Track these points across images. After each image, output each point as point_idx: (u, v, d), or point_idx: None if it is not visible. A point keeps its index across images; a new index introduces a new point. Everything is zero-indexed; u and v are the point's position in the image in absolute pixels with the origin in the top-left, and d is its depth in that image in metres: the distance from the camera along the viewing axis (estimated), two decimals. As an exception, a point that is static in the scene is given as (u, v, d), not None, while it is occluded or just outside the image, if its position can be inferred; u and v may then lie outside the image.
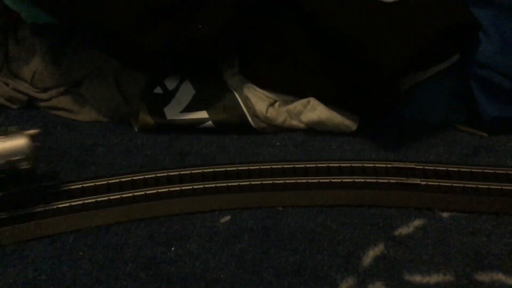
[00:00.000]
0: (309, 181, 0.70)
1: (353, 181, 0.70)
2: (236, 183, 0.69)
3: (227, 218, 0.67)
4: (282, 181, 0.70)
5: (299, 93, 0.79)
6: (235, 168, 0.72)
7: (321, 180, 0.70)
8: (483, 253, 0.60)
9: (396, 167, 0.71)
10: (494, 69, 0.71)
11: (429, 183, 0.69)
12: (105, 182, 0.69)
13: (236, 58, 0.82)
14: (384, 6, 0.69)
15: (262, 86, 0.80)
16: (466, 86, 0.77)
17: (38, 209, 0.65)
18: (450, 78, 0.78)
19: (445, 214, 0.66)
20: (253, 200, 0.68)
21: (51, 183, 0.70)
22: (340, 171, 0.71)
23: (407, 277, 0.58)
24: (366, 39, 0.66)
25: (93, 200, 0.67)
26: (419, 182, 0.69)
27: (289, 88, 0.79)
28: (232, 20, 0.75)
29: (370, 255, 0.61)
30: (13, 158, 0.60)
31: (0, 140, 0.61)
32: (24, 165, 0.61)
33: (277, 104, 0.80)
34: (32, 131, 0.63)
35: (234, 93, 0.80)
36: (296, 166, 0.72)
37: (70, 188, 0.68)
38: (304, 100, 0.78)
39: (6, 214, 0.64)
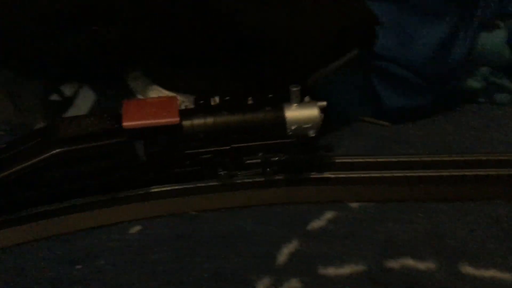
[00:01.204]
0: (223, 183, 0.69)
1: (266, 179, 0.69)
2: (143, 191, 0.66)
3: (137, 228, 0.64)
4: (193, 185, 0.68)
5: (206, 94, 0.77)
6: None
7: (234, 181, 0.69)
8: (392, 240, 0.62)
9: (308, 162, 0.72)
10: (392, 61, 0.74)
11: (339, 175, 0.70)
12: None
13: (139, 61, 0.79)
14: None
15: (167, 88, 0.78)
16: (368, 79, 0.79)
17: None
18: (352, 72, 0.79)
19: (354, 205, 0.68)
20: (164, 207, 0.66)
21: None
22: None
23: (321, 271, 0.58)
24: (280, 35, 0.66)
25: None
26: (329, 175, 0.70)
27: (195, 89, 0.77)
28: (135, 23, 0.72)
29: (284, 253, 0.61)
30: (305, 126, 0.65)
31: (297, 107, 0.65)
32: (311, 134, 0.65)
33: (183, 105, 0.78)
34: (322, 103, 0.66)
35: (137, 97, 0.77)
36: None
37: None
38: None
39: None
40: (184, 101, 0.78)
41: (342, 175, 0.70)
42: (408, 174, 0.70)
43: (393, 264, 0.59)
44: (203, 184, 0.68)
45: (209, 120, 0.64)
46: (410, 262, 0.59)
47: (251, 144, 0.66)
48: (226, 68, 0.76)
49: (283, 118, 0.65)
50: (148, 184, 0.66)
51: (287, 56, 0.67)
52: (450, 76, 0.75)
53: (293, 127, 0.65)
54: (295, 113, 0.65)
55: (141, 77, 0.79)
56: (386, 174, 0.70)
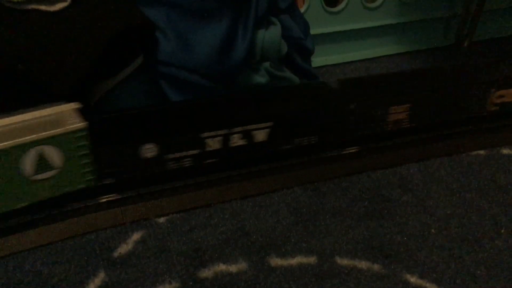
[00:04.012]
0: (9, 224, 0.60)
1: (61, 211, 0.63)
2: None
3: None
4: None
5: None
6: None
7: (20, 221, 0.61)
8: (202, 248, 0.61)
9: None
10: (176, 66, 0.72)
11: (140, 192, 0.67)
12: None
13: None
14: (50, 16, 0.62)
15: None
16: (157, 84, 0.77)
17: None
18: (141, 80, 0.76)
19: (161, 220, 0.65)
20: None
21: None
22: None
23: (133, 299, 0.55)
24: (33, 60, 0.58)
25: None
26: (130, 194, 0.66)
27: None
28: None
29: (90, 289, 0.55)
30: None
31: None
32: None
33: None
34: None
35: None
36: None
37: None
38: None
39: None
40: None
41: (143, 191, 0.66)
42: (211, 178, 0.70)
43: (206, 273, 0.58)
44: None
45: None
46: (222, 267, 0.59)
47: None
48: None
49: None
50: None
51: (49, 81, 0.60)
52: (234, 74, 0.77)
53: None
54: None
55: None
56: (189, 181, 0.69)
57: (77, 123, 0.58)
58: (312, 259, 0.60)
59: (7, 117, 0.55)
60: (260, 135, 0.68)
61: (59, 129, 0.57)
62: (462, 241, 0.63)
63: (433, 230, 0.64)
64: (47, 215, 0.62)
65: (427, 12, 1.22)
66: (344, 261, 0.59)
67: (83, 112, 0.58)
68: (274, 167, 0.72)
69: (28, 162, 0.56)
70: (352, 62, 1.17)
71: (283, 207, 0.67)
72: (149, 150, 0.63)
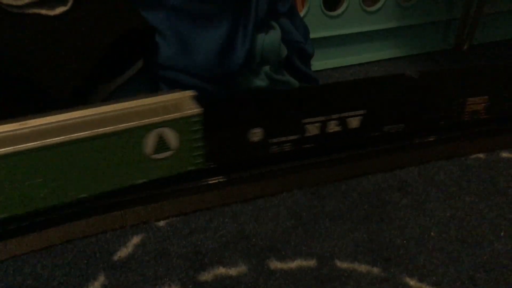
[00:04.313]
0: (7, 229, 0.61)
1: (61, 215, 0.63)
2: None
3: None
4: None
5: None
6: None
7: (21, 225, 0.61)
8: (202, 251, 0.61)
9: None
10: (176, 69, 0.73)
11: (140, 196, 0.67)
12: None
13: None
14: (50, 20, 0.62)
15: None
16: (157, 88, 0.77)
17: None
18: (141, 83, 0.77)
19: (161, 223, 0.65)
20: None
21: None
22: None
23: (133, 302, 0.55)
24: (35, 64, 0.59)
25: None
26: (130, 197, 0.66)
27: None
28: None
29: (90, 293, 0.55)
30: None
31: None
32: None
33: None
34: None
35: None
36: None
37: None
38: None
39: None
40: None
41: (142, 194, 0.66)
42: (210, 182, 0.70)
43: (206, 276, 0.58)
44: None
45: None
46: (221, 270, 0.59)
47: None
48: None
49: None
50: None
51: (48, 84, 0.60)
52: (234, 78, 0.77)
53: None
54: None
55: None
56: (189, 185, 0.69)
57: (194, 109, 0.63)
58: (312, 262, 0.60)
59: (133, 100, 0.62)
60: (354, 122, 0.73)
61: (178, 113, 0.63)
62: (462, 244, 0.63)
63: (432, 233, 0.65)
64: (47, 219, 0.62)
65: (427, 16, 1.22)
66: (344, 264, 0.60)
67: (198, 99, 0.65)
68: (274, 170, 0.72)
69: (149, 142, 0.62)
70: (351, 65, 1.17)
71: (283, 210, 0.68)
72: (255, 135, 0.69)
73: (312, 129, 0.71)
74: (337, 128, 0.72)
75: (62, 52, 0.60)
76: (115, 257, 0.60)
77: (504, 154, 0.81)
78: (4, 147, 0.54)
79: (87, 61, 0.61)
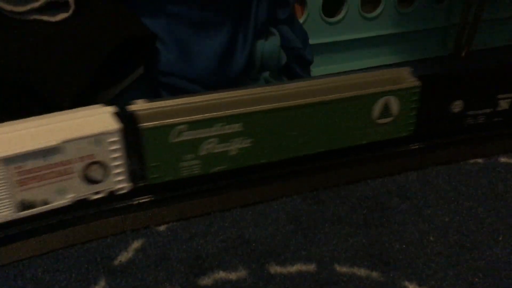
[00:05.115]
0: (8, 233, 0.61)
1: (61, 219, 0.63)
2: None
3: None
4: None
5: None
6: None
7: (22, 230, 0.61)
8: (202, 256, 0.61)
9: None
10: (176, 75, 0.73)
11: (140, 201, 0.67)
12: None
13: None
14: (51, 27, 0.63)
15: None
16: (157, 95, 0.78)
17: None
18: (141, 89, 0.77)
19: (162, 228, 0.66)
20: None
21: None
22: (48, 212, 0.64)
23: (134, 307, 0.55)
24: (36, 70, 0.59)
25: None
26: (131, 202, 0.66)
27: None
28: None
29: (91, 297, 0.56)
30: None
31: None
32: None
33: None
34: None
35: None
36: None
37: None
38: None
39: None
40: None
41: (143, 199, 0.67)
42: (209, 187, 0.70)
43: (206, 280, 0.58)
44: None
45: None
46: (221, 274, 0.59)
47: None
48: None
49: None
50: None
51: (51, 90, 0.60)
52: (234, 84, 0.78)
53: None
54: None
55: None
56: (189, 190, 0.69)
57: (414, 82, 0.73)
58: (311, 267, 0.60)
59: (362, 73, 0.74)
60: None
61: (403, 84, 0.72)
62: (460, 248, 0.63)
63: (431, 238, 0.65)
64: (49, 223, 0.63)
65: (425, 22, 1.23)
66: (343, 269, 0.60)
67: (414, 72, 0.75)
68: (274, 175, 0.72)
69: (377, 108, 0.72)
70: (350, 72, 1.18)
71: (283, 215, 0.68)
72: (456, 106, 0.78)
73: (503, 104, 0.80)
74: None
75: (64, 58, 0.60)
76: (116, 262, 0.60)
77: (503, 159, 0.82)
78: (276, 103, 0.66)
79: (89, 67, 0.61)
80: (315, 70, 1.12)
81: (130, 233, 0.65)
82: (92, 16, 0.66)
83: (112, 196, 0.63)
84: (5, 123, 0.56)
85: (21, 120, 0.57)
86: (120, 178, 0.61)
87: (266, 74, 0.85)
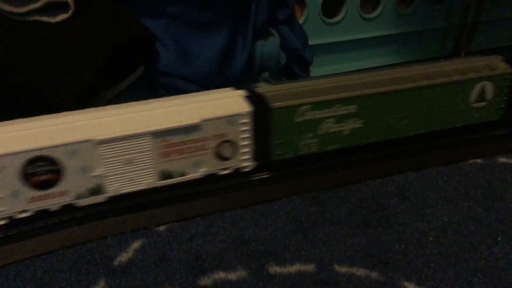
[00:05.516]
0: (9, 234, 0.61)
1: (60, 220, 0.63)
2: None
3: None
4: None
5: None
6: None
7: (21, 230, 0.62)
8: (202, 256, 0.61)
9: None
10: (176, 76, 0.74)
11: (140, 202, 0.67)
12: None
13: None
14: (51, 28, 0.63)
15: None
16: (157, 95, 0.78)
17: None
18: (141, 90, 0.77)
19: (161, 228, 0.66)
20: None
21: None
22: (46, 213, 0.64)
23: (134, 307, 0.55)
24: (36, 71, 0.59)
25: None
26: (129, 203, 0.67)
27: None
28: None
29: (90, 298, 0.56)
30: None
31: None
32: None
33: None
34: None
35: None
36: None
37: None
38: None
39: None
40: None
41: (142, 200, 0.67)
42: (209, 187, 0.70)
43: (206, 281, 0.58)
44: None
45: None
46: (221, 275, 0.59)
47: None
48: None
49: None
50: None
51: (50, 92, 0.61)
52: (234, 84, 0.78)
53: None
54: None
55: None
56: (189, 190, 0.69)
57: (508, 68, 0.79)
58: (310, 267, 0.60)
59: (458, 61, 0.80)
60: None
61: (496, 71, 0.78)
62: (460, 248, 0.63)
63: (430, 238, 0.65)
64: (48, 224, 0.63)
65: (425, 23, 1.24)
66: (342, 269, 0.60)
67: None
68: (273, 176, 0.72)
69: (474, 93, 0.77)
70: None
71: (282, 216, 0.68)
72: None
73: None
74: None
75: (64, 59, 0.60)
76: (116, 262, 0.60)
77: (502, 159, 0.82)
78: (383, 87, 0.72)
79: (89, 68, 0.61)
80: (314, 71, 1.12)
81: (130, 233, 0.65)
82: (92, 16, 0.66)
83: (237, 173, 0.69)
84: (153, 100, 0.62)
85: (164, 98, 0.64)
86: (246, 157, 0.68)
87: (266, 74, 0.85)
